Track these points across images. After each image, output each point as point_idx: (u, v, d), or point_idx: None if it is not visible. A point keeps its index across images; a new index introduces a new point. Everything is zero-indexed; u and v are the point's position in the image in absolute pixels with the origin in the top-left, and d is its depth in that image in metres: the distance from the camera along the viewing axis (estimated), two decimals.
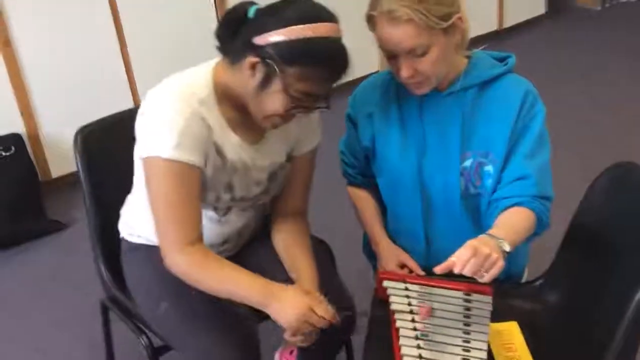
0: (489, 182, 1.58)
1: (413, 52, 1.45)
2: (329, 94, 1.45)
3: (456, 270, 1.31)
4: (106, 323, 1.96)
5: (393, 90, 1.64)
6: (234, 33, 1.41)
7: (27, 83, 3.15)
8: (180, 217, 1.44)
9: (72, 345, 2.40)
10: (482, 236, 1.40)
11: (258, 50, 1.37)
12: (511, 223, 1.50)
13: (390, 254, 1.67)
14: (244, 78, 1.41)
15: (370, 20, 1.48)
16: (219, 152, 1.49)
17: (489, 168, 1.57)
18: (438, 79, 1.53)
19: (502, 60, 1.63)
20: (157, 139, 1.41)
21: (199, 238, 1.47)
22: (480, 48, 1.65)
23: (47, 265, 2.88)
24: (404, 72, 1.48)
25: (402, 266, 1.66)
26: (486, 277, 1.33)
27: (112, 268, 1.78)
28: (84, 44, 3.26)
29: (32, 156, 3.18)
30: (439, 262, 1.60)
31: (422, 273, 1.62)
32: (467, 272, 1.30)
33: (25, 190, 3.08)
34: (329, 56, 1.37)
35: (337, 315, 1.44)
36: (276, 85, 1.38)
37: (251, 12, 1.39)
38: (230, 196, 1.55)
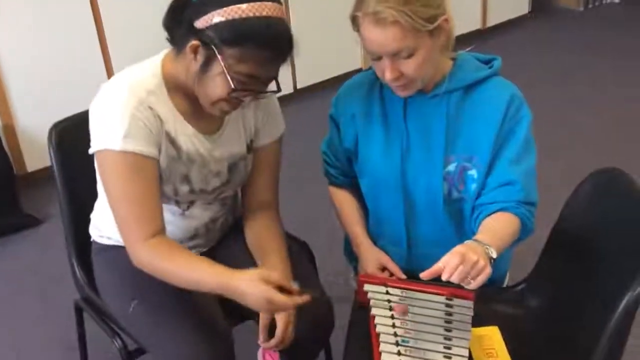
0: (473, 186, 1.56)
1: (398, 55, 1.42)
2: (275, 76, 1.43)
3: (444, 277, 1.29)
4: (80, 324, 1.92)
5: (377, 91, 1.62)
6: (177, 19, 1.40)
7: (3, 75, 3.09)
8: (139, 210, 1.42)
9: (47, 343, 2.36)
10: (468, 242, 1.38)
11: (199, 33, 1.35)
12: (496, 229, 1.48)
13: (371, 256, 1.65)
14: (187, 64, 1.40)
15: (355, 21, 1.45)
16: (173, 142, 1.47)
17: (473, 172, 1.55)
18: (423, 81, 1.51)
19: (487, 62, 1.61)
20: (105, 132, 1.39)
21: (161, 230, 1.45)
22: (466, 50, 1.62)
23: (23, 260, 2.84)
24: (389, 75, 1.45)
25: (383, 269, 1.63)
26: (473, 284, 1.31)
27: (86, 268, 1.75)
28: (62, 37, 3.21)
29: (7, 149, 3.12)
30: (420, 266, 1.58)
31: (403, 276, 1.60)
32: (454, 279, 1.29)
33: (1, 184, 3.02)
34: (268, 37, 1.34)
35: (303, 293, 1.39)
36: (217, 67, 1.36)
37: None
38: (188, 188, 1.53)
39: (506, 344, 1.54)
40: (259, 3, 1.33)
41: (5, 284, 2.69)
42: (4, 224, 3.01)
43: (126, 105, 1.39)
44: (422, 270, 1.63)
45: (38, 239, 2.98)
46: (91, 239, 1.72)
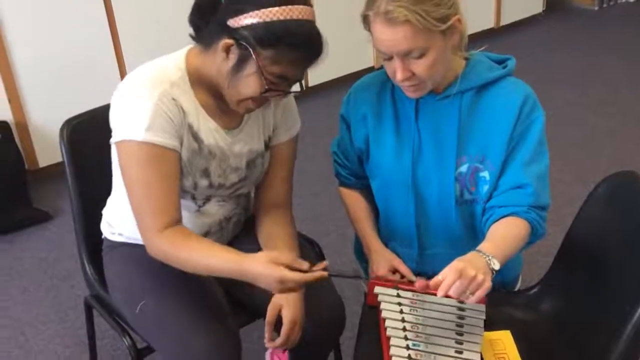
0: (485, 188, 1.54)
1: (409, 55, 1.41)
2: (302, 77, 1.46)
3: (439, 294, 1.29)
4: (90, 321, 1.92)
5: (388, 92, 1.60)
6: (206, 18, 1.41)
7: (15, 70, 3.09)
8: (158, 201, 1.42)
9: (56, 340, 2.36)
10: (470, 254, 1.37)
11: (232, 32, 1.37)
12: (504, 235, 1.46)
13: (382, 259, 1.64)
14: (218, 61, 1.42)
15: (366, 20, 1.44)
16: (195, 135, 1.48)
17: (485, 174, 1.54)
18: (434, 82, 1.49)
19: (500, 62, 1.59)
20: (128, 123, 1.40)
21: (178, 221, 1.45)
22: (480, 49, 1.60)
23: (33, 256, 2.84)
24: (400, 75, 1.43)
25: (394, 271, 1.62)
26: (472, 299, 1.31)
27: (96, 265, 1.75)
28: (75, 32, 3.21)
29: (19, 145, 3.13)
30: (431, 267, 1.58)
31: (414, 279, 1.58)
32: (452, 294, 1.28)
33: (12, 179, 3.03)
34: (303, 39, 1.37)
35: (311, 266, 1.38)
36: (250, 67, 1.38)
37: None
38: (207, 182, 1.54)
39: (518, 348, 1.52)
40: (292, 6, 1.35)
41: (15, 280, 2.69)
42: (15, 219, 3.01)
43: (149, 96, 1.40)
44: (433, 271, 1.62)
45: (49, 235, 2.98)
46: (102, 236, 1.72)
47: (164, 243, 1.43)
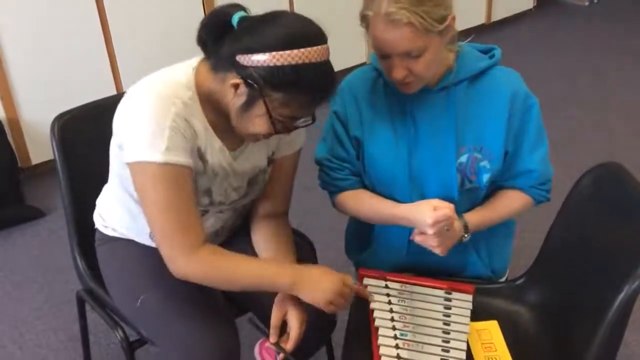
0: (486, 176, 1.58)
1: (408, 54, 1.41)
2: (314, 113, 1.41)
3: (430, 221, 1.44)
4: (82, 315, 1.93)
5: (380, 88, 1.61)
6: (215, 39, 1.36)
7: (7, 67, 3.09)
8: (186, 222, 1.38)
9: (49, 334, 2.37)
10: (457, 223, 1.52)
11: (241, 70, 1.31)
12: (497, 205, 1.64)
13: (421, 209, 1.50)
14: (227, 93, 1.37)
15: (365, 20, 1.43)
16: (201, 156, 1.45)
17: (485, 163, 1.56)
18: (429, 78, 1.51)
19: (486, 52, 1.61)
20: (146, 144, 1.34)
21: (205, 238, 1.42)
22: (466, 41, 1.62)
23: (26, 252, 2.85)
24: (397, 74, 1.44)
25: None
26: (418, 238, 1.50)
27: (88, 259, 1.76)
28: (66, 30, 3.20)
29: (11, 142, 3.13)
30: (424, 259, 1.59)
31: (452, 208, 1.48)
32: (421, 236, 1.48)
33: (5, 176, 3.02)
34: (315, 84, 1.33)
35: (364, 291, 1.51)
36: (259, 108, 1.34)
37: (234, 20, 1.34)
38: (209, 201, 1.52)
39: (505, 338, 1.54)
40: (305, 49, 1.29)
41: (8, 276, 2.70)
42: (8, 216, 3.02)
43: (164, 116, 1.34)
44: (426, 263, 1.64)
45: (42, 231, 2.99)
46: (95, 227, 1.72)
47: (201, 263, 1.39)
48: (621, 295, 1.32)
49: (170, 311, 1.52)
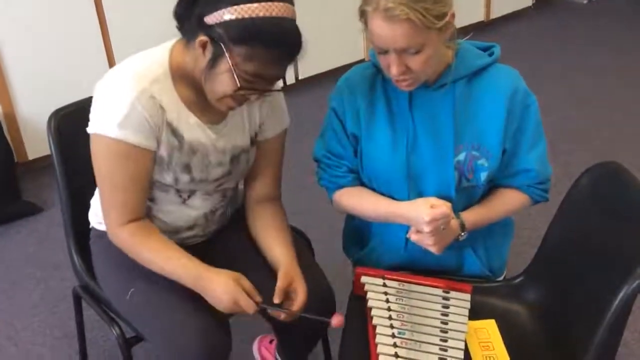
0: (483, 175, 1.57)
1: (406, 50, 1.41)
2: (282, 75, 1.43)
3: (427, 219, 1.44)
4: (79, 312, 1.93)
5: (379, 86, 1.60)
6: (188, 12, 1.40)
7: (4, 63, 3.09)
8: (122, 197, 1.46)
9: (45, 331, 2.37)
10: (454, 221, 1.52)
11: (208, 29, 1.35)
12: (494, 204, 1.63)
13: (417, 206, 1.51)
14: (196, 57, 1.41)
15: (363, 15, 1.43)
16: (174, 132, 1.48)
17: (483, 161, 1.56)
18: (427, 75, 1.51)
19: (485, 49, 1.60)
20: (103, 117, 1.42)
21: (141, 218, 1.50)
22: (465, 38, 1.61)
23: (22, 248, 2.84)
24: (395, 70, 1.44)
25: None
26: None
27: (85, 256, 1.75)
28: (63, 24, 3.20)
29: (8, 137, 3.12)
30: (422, 257, 1.59)
31: (449, 206, 1.49)
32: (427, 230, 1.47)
33: (1, 172, 3.02)
34: (277, 38, 1.34)
35: (261, 296, 1.46)
36: (224, 65, 1.36)
37: None
38: (189, 177, 1.54)
39: (503, 337, 1.54)
40: (270, 3, 1.32)
41: (4, 272, 2.70)
42: (4, 211, 3.01)
43: (128, 93, 1.40)
44: (424, 262, 1.64)
45: (38, 227, 2.98)
46: (90, 226, 1.72)
47: (125, 236, 1.48)
48: (620, 295, 1.31)
49: (159, 305, 1.52)
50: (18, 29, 3.09)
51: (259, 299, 1.45)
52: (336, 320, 1.45)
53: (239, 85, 1.37)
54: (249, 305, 1.42)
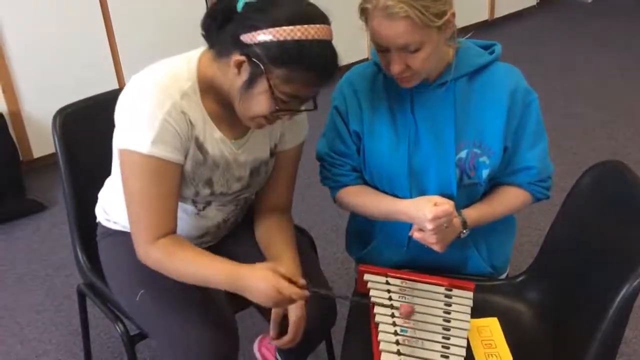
0: (485, 172, 1.57)
1: (406, 48, 1.42)
2: (315, 95, 1.42)
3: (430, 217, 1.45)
4: (83, 309, 1.93)
5: (381, 84, 1.61)
6: (220, 25, 1.37)
7: (9, 60, 3.10)
8: (155, 213, 1.42)
9: (50, 328, 2.38)
10: (456, 219, 1.52)
11: (245, 48, 1.33)
12: (496, 201, 1.63)
13: (421, 205, 1.50)
14: (230, 75, 1.38)
15: (364, 13, 1.44)
16: (200, 147, 1.46)
17: (484, 159, 1.56)
18: (427, 73, 1.51)
19: (486, 48, 1.61)
20: (135, 133, 1.37)
21: (172, 230, 1.45)
22: (466, 37, 1.62)
23: (27, 245, 2.85)
24: (395, 68, 1.44)
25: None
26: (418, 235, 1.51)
27: (89, 254, 1.76)
28: (69, 23, 3.21)
29: (13, 135, 3.13)
30: (424, 255, 1.60)
31: (452, 204, 1.49)
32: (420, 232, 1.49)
33: (6, 169, 3.04)
34: (317, 60, 1.33)
35: (310, 288, 1.40)
36: (262, 86, 1.35)
37: (239, 5, 1.35)
38: (209, 191, 1.53)
39: (505, 335, 1.55)
40: (308, 25, 1.31)
41: (9, 269, 2.71)
42: (9, 209, 3.02)
43: (159, 108, 1.36)
44: (427, 260, 1.64)
45: (43, 225, 2.99)
46: (97, 220, 1.72)
47: (158, 252, 1.42)
48: (622, 293, 1.31)
49: (167, 308, 1.52)
50: (24, 27, 3.10)
51: (303, 282, 1.40)
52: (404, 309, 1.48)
53: (276, 107, 1.36)
54: (294, 292, 1.35)
